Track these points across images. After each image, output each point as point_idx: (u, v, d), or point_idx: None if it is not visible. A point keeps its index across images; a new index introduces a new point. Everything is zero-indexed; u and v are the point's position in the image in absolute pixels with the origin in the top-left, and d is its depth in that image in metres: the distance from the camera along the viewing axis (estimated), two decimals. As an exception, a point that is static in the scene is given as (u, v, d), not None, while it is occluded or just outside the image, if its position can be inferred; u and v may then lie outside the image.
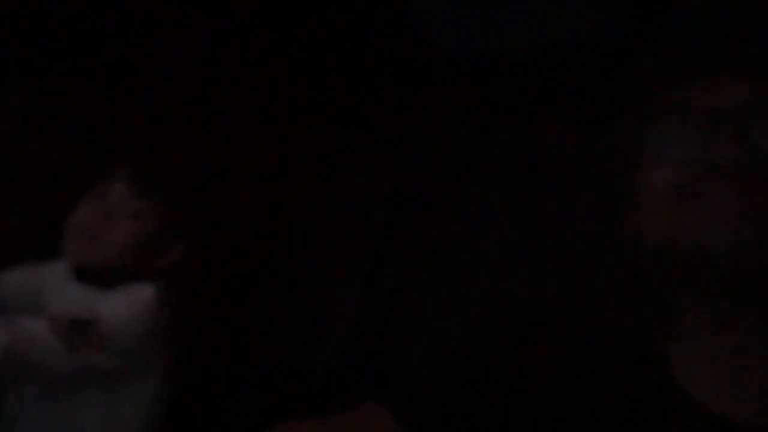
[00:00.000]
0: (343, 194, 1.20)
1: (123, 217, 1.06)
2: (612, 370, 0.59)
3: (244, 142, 1.17)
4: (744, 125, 0.55)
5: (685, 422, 0.55)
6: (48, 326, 0.95)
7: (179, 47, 1.15)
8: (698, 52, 0.59)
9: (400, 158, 1.17)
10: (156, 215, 1.06)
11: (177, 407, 1.07)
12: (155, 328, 1.03)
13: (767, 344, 0.55)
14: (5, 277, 1.12)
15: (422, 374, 0.62)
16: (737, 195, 0.53)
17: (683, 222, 0.55)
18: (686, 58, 0.60)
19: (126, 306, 1.02)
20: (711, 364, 0.57)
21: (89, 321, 0.97)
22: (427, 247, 1.11)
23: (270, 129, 1.18)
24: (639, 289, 0.63)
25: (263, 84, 1.18)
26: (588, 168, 0.84)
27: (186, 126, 1.14)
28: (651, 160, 0.58)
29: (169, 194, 1.07)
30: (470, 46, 1.09)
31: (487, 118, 1.06)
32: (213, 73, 1.16)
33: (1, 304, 1.07)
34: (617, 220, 0.65)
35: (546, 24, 0.99)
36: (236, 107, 1.18)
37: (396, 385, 0.62)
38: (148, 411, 1.04)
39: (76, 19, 1.10)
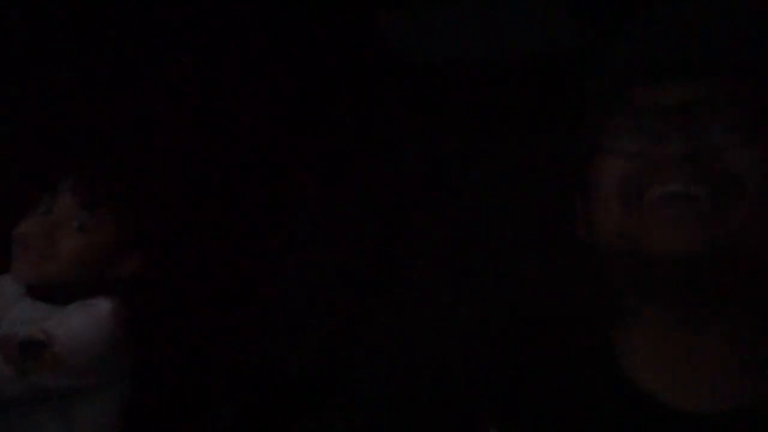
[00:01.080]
0: (312, 198, 1.19)
1: (70, 230, 1.02)
2: (567, 362, 0.61)
3: (201, 147, 1.14)
4: (693, 120, 0.55)
5: (633, 410, 0.57)
6: None
7: (125, 53, 1.11)
8: (646, 57, 0.60)
9: (370, 165, 1.16)
10: (105, 226, 1.03)
11: (140, 424, 1.04)
12: (112, 344, 0.99)
13: (712, 340, 0.56)
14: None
15: (411, 389, 0.65)
16: (681, 190, 0.54)
17: (631, 223, 0.56)
18: (635, 62, 0.60)
19: (80, 323, 0.98)
20: (658, 358, 0.58)
21: (42, 342, 0.93)
22: (398, 251, 1.11)
23: (234, 133, 1.16)
24: (593, 285, 0.64)
25: (223, 88, 1.15)
26: (549, 169, 0.85)
27: (135, 133, 1.11)
28: (602, 156, 0.59)
29: (117, 204, 1.04)
30: (432, 56, 1.08)
31: (452, 125, 1.07)
32: (163, 78, 1.12)
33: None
34: (575, 220, 0.66)
35: (506, 34, 1.00)
36: (193, 110, 1.15)
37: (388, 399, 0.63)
38: (108, 430, 1.01)
39: (13, 27, 1.06)
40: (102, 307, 1.00)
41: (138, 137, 1.11)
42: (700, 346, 0.56)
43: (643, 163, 0.56)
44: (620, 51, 0.62)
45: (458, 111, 1.07)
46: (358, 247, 1.11)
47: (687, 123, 0.55)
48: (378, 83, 1.10)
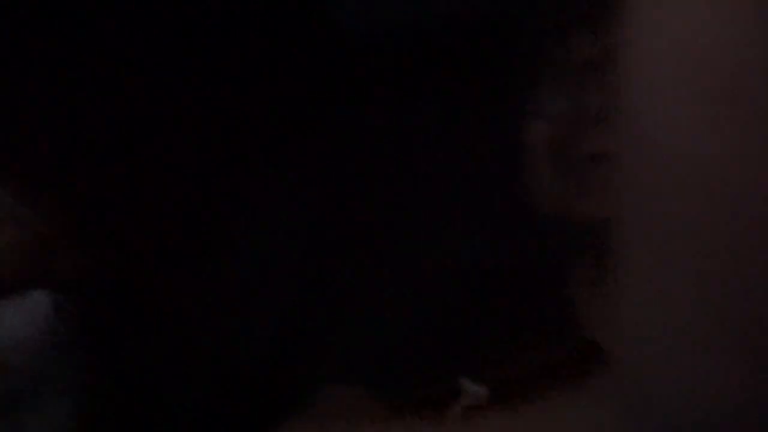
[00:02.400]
0: (263, 175, 1.17)
1: (5, 224, 1.00)
2: (526, 315, 0.64)
3: (143, 136, 1.12)
4: (607, 73, 0.55)
5: (587, 363, 0.59)
6: None
7: (65, 43, 1.08)
8: (575, 5, 0.60)
9: (315, 140, 1.15)
10: (43, 220, 1.00)
11: (99, 422, 1.01)
12: (57, 342, 0.97)
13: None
14: None
15: (385, 344, 0.65)
16: (604, 151, 0.54)
17: (560, 187, 0.58)
18: (564, 13, 0.60)
19: (19, 321, 0.95)
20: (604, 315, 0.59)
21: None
22: (352, 224, 1.10)
23: (178, 118, 1.13)
24: (539, 247, 0.67)
25: (166, 75, 1.13)
26: (488, 134, 0.85)
27: (76, 122, 1.08)
28: (529, 119, 0.59)
29: (57, 197, 1.01)
30: (369, 23, 1.07)
31: (387, 93, 1.06)
32: (101, 66, 1.10)
33: None
34: (515, 185, 0.66)
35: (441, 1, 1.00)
36: (136, 99, 1.12)
37: (364, 363, 0.65)
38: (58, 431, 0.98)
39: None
40: (43, 303, 0.97)
41: (74, 121, 1.08)
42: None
43: (566, 124, 0.58)
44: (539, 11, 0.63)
45: (390, 79, 1.06)
46: (307, 220, 1.10)
47: (604, 77, 0.56)
48: (311, 52, 1.08)
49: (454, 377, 0.62)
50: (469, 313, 0.66)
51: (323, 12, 1.12)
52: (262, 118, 1.13)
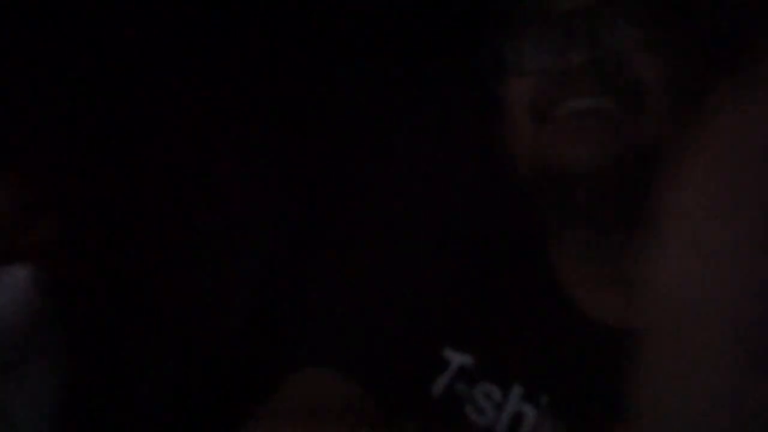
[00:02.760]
0: (242, 147, 1.15)
1: None
2: (507, 280, 0.61)
3: (123, 105, 1.09)
4: (594, 25, 0.54)
5: (567, 325, 0.58)
6: None
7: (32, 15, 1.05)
8: None
9: (295, 116, 1.13)
10: (17, 187, 0.97)
11: (75, 398, 1.00)
12: (34, 313, 0.95)
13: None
14: None
15: (361, 324, 0.62)
16: (590, 105, 0.53)
17: (543, 142, 0.56)
18: None
19: None
20: (586, 275, 0.59)
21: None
22: (331, 197, 1.08)
23: (157, 91, 1.10)
24: (519, 207, 0.63)
25: (148, 48, 1.10)
26: (462, 92, 0.84)
27: (52, 86, 1.05)
28: (508, 75, 0.57)
29: (31, 163, 0.98)
30: None
31: (361, 54, 1.03)
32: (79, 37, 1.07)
33: None
34: (492, 141, 0.65)
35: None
36: (116, 66, 1.09)
37: (341, 342, 0.61)
38: (39, 405, 0.96)
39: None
40: (19, 275, 0.95)
41: (43, 88, 1.05)
42: (622, 262, 0.56)
43: (549, 78, 0.55)
44: None
45: (359, 38, 1.04)
46: (290, 195, 1.08)
47: (590, 29, 0.54)
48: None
49: (439, 348, 0.59)
50: (451, 280, 0.62)
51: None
52: (249, 108, 1.12)
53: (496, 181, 0.67)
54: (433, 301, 0.60)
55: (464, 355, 0.57)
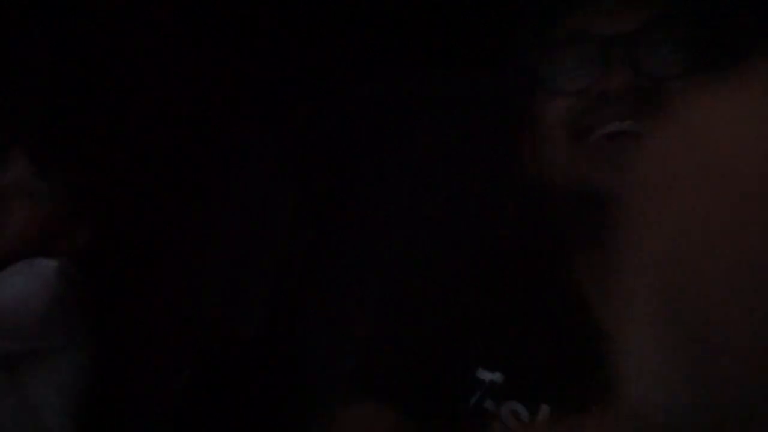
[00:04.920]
0: (253, 161, 1.16)
1: (20, 199, 0.98)
2: (535, 295, 0.61)
3: (150, 121, 1.11)
4: (635, 51, 0.54)
5: (593, 343, 0.55)
6: None
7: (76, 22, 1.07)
8: None
9: (301, 115, 1.13)
10: (56, 196, 0.99)
11: (96, 389, 1.01)
12: (60, 304, 0.96)
13: None
14: None
15: (401, 355, 0.61)
16: (627, 129, 0.53)
17: (580, 161, 0.56)
18: None
19: (24, 283, 0.94)
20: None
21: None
22: (341, 201, 1.08)
23: (176, 108, 1.12)
24: (546, 221, 0.64)
25: (168, 65, 1.12)
26: (490, 105, 0.84)
27: (88, 104, 1.07)
28: (547, 93, 0.57)
29: (69, 174, 1.00)
30: None
31: (387, 62, 1.03)
32: (113, 52, 1.08)
33: None
34: (521, 157, 0.65)
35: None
36: (142, 86, 1.11)
37: (385, 377, 0.61)
38: (63, 395, 0.97)
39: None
40: (47, 265, 0.97)
41: (93, 105, 1.07)
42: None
43: (588, 100, 0.55)
44: None
45: (393, 45, 1.04)
46: (300, 198, 1.09)
47: (628, 54, 0.54)
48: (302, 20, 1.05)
49: (470, 369, 0.59)
50: (482, 300, 0.62)
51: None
52: (259, 94, 1.12)
53: (525, 199, 0.67)
54: (467, 323, 0.60)
55: (495, 373, 0.57)
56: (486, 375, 0.58)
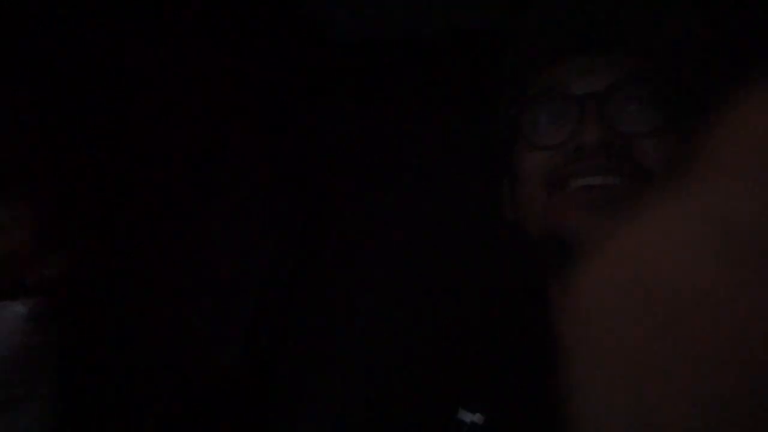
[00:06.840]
0: (240, 185, 1.16)
1: None
2: (514, 336, 0.63)
3: (124, 142, 1.09)
4: (606, 108, 0.57)
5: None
6: None
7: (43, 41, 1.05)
8: (567, 32, 0.61)
9: (294, 149, 1.14)
10: (23, 226, 0.97)
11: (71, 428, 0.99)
12: (31, 351, 0.94)
13: None
14: None
15: (385, 399, 0.65)
16: (599, 183, 0.55)
17: (555, 210, 0.58)
18: (555, 39, 0.61)
19: None
20: None
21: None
22: (325, 235, 1.09)
23: (155, 125, 1.11)
24: (524, 268, 0.66)
25: (144, 82, 1.11)
26: (472, 155, 0.86)
27: (54, 127, 1.05)
28: (525, 146, 0.59)
29: (37, 203, 0.98)
30: (356, 33, 1.06)
31: (374, 105, 1.05)
32: (80, 72, 1.07)
33: None
34: (500, 206, 0.68)
35: (430, 12, 0.99)
36: (115, 106, 1.10)
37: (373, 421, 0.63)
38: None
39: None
40: (15, 311, 0.94)
41: (58, 130, 1.05)
42: None
43: (563, 153, 0.58)
44: (526, 31, 0.63)
45: (379, 90, 1.05)
46: (284, 235, 1.09)
47: (599, 112, 0.57)
48: (302, 60, 1.07)
49: (451, 410, 0.60)
50: (461, 340, 0.64)
51: (312, 20, 1.11)
52: (247, 127, 1.12)
53: (503, 243, 0.68)
54: (448, 365, 0.62)
55: (475, 414, 0.59)
56: (467, 416, 0.59)
